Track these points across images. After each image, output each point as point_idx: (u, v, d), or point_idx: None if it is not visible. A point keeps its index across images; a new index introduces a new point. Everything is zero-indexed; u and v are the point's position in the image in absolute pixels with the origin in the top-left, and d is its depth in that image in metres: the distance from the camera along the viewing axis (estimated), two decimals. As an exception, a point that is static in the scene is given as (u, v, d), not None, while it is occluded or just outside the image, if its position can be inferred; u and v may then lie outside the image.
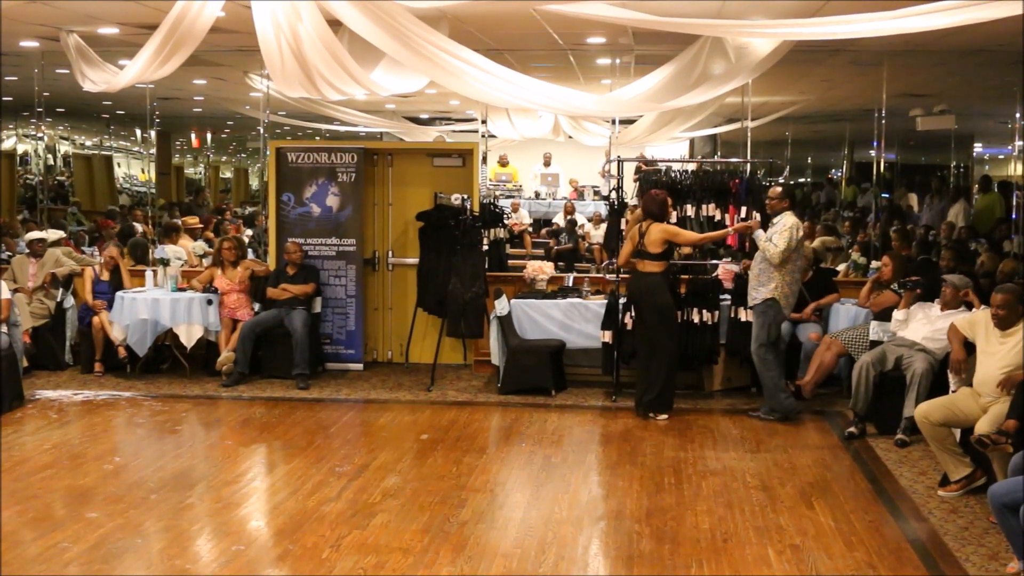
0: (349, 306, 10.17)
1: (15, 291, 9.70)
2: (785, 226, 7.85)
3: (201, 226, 14.05)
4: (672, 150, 18.94)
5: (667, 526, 5.75)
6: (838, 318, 9.26)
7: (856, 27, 6.51)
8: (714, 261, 8.97)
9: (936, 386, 7.36)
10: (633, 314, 8.40)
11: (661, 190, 8.31)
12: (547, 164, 19.50)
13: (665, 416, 8.16)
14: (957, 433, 6.48)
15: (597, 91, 12.90)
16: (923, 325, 7.75)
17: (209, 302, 9.62)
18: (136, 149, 24.27)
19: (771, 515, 5.95)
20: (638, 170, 11.43)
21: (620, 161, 9.30)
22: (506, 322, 9.18)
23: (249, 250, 11.66)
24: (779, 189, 8.13)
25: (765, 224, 8.24)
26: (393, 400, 8.89)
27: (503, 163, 19.38)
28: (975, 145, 20.17)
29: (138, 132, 22.42)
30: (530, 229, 16.96)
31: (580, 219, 16.48)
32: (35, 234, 10.59)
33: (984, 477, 6.23)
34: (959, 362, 6.68)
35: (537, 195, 18.54)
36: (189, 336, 9.55)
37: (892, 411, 7.57)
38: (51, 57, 11.14)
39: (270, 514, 5.97)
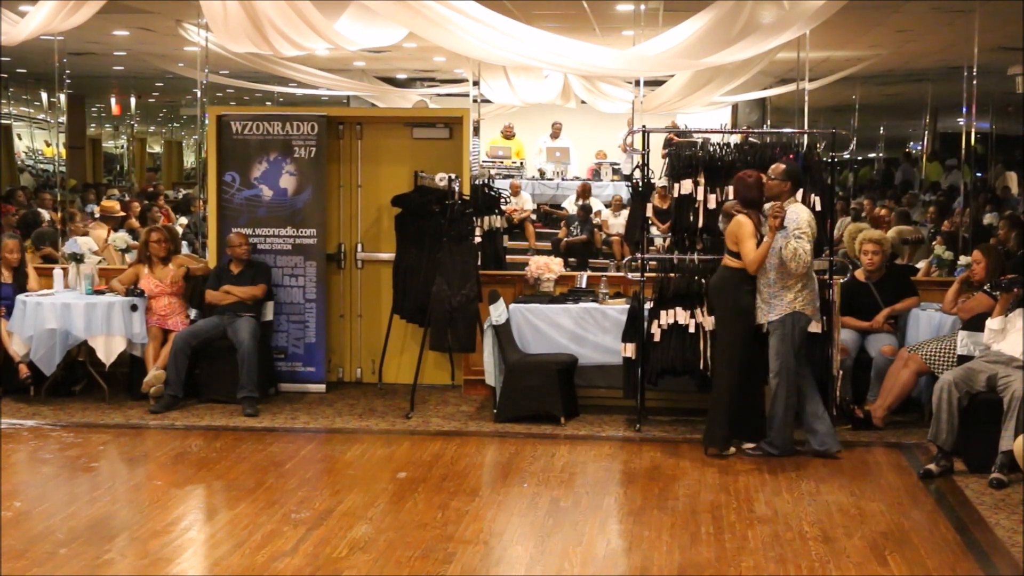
0: (308, 313, 10.18)
1: None
2: (801, 220, 7.84)
3: (123, 214, 14.10)
4: (710, 118, 18.99)
5: (704, 587, 5.75)
6: (918, 327, 9.27)
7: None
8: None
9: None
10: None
11: (753, 171, 8.23)
12: (556, 136, 19.52)
13: (733, 449, 8.19)
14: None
15: (617, 45, 12.95)
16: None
17: (133, 308, 9.63)
18: (41, 117, 24.29)
19: (834, 572, 5.95)
20: (668, 143, 11.45)
21: (646, 132, 9.32)
22: (504, 333, 9.19)
23: (184, 243, 11.68)
24: (782, 167, 8.09)
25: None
26: (363, 430, 8.90)
27: (508, 135, 19.40)
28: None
29: (44, 96, 22.44)
30: (533, 217, 17.01)
31: (596, 204, 16.52)
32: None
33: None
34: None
35: (542, 174, 18.58)
36: (108, 350, 9.55)
37: (985, 443, 7.57)
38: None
39: (210, 571, 5.96)
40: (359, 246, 10.54)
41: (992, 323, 7.94)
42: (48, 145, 24.54)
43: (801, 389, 8.08)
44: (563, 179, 18.26)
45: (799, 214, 7.90)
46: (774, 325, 7.97)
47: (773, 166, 8.11)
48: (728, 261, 8.14)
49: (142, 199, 17.04)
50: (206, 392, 9.68)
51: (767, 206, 8.05)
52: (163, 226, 10.98)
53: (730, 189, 8.68)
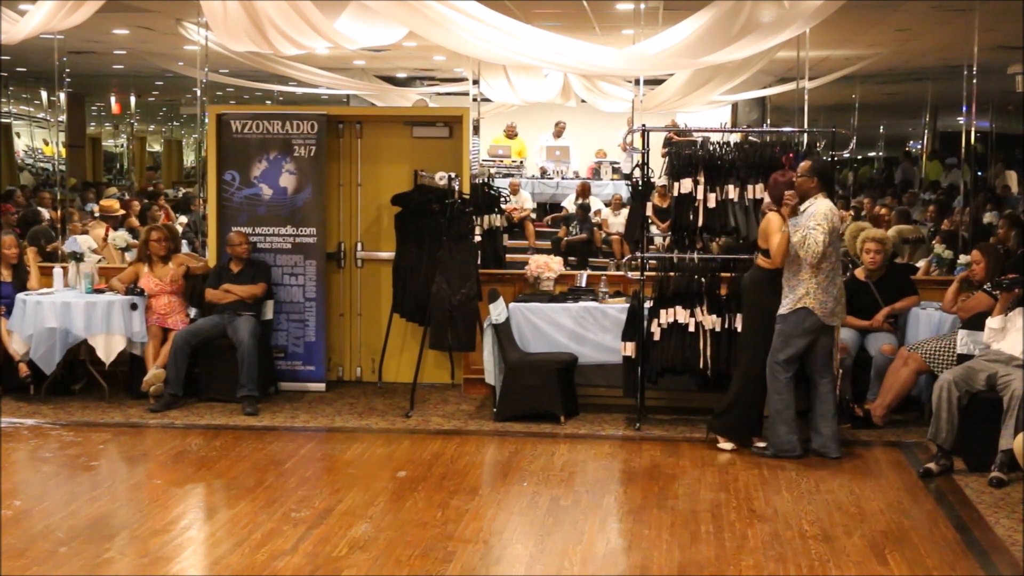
0: (308, 311, 10.18)
1: None
2: (818, 212, 7.83)
3: (122, 212, 14.10)
4: (710, 117, 18.98)
5: (704, 585, 5.75)
6: (917, 326, 9.27)
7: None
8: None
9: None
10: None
11: (787, 171, 8.21)
12: (559, 135, 19.52)
13: (730, 445, 8.20)
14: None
15: (617, 44, 12.95)
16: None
17: (133, 307, 9.63)
18: (41, 116, 24.28)
19: (834, 571, 5.95)
20: (667, 142, 11.44)
21: (645, 131, 9.32)
22: (503, 331, 9.19)
23: (184, 242, 11.68)
24: (808, 163, 8.10)
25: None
26: (363, 428, 8.90)
27: (510, 135, 19.38)
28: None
29: (44, 95, 22.43)
30: (533, 215, 17.01)
31: (596, 203, 16.52)
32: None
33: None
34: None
35: (544, 173, 18.58)
36: (108, 349, 9.55)
37: (985, 442, 7.57)
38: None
39: (210, 570, 5.96)
40: (359, 245, 10.54)
41: (992, 322, 7.95)
42: (47, 144, 24.53)
43: (815, 389, 8.10)
44: (563, 179, 18.26)
45: (818, 207, 7.88)
46: (779, 319, 7.98)
47: (801, 164, 8.11)
48: (760, 261, 8.18)
49: (142, 198, 17.04)
50: (206, 391, 9.68)
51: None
52: (163, 225, 10.97)
53: (730, 188, 8.71)
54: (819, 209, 7.84)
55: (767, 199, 8.39)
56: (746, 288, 8.33)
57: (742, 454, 8.12)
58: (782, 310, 7.97)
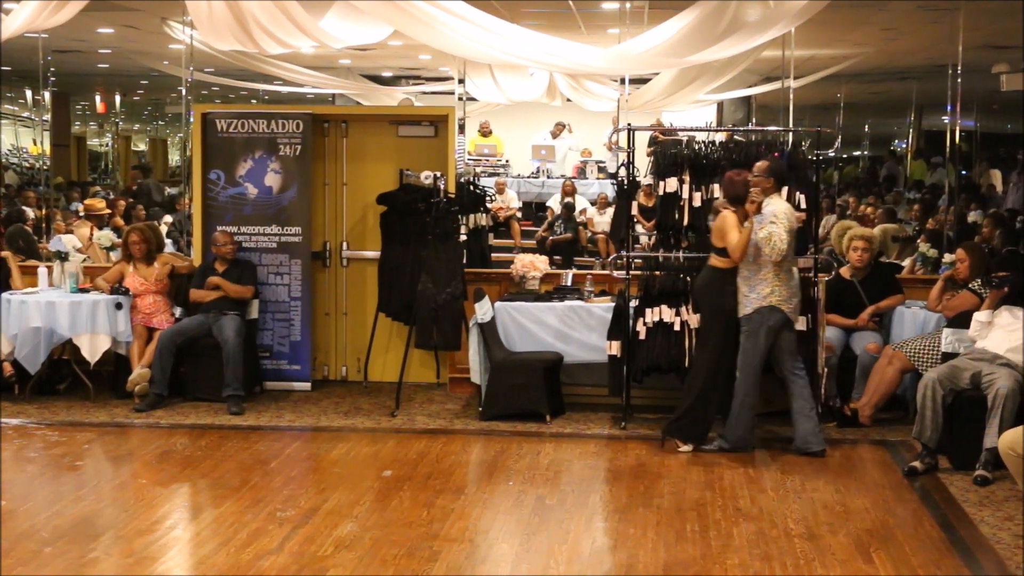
0: (293, 311, 10.17)
1: None
2: (778, 210, 7.86)
3: (108, 211, 14.07)
4: (695, 116, 19.02)
5: (690, 584, 5.75)
6: (902, 325, 9.30)
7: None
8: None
9: (1025, 409, 7.40)
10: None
11: (741, 170, 8.21)
12: (557, 135, 19.56)
13: (688, 447, 8.20)
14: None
15: (602, 43, 12.97)
16: (1008, 333, 7.78)
17: (118, 306, 9.60)
18: (26, 115, 24.22)
19: (819, 569, 5.96)
20: (653, 141, 11.48)
21: (631, 130, 9.33)
22: (489, 330, 9.19)
23: (169, 241, 11.66)
24: (765, 163, 8.10)
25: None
26: (348, 428, 8.89)
27: (484, 133, 19.43)
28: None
29: (28, 94, 22.38)
30: (519, 215, 17.03)
31: (582, 203, 16.54)
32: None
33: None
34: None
35: (539, 172, 18.60)
36: (93, 349, 9.52)
37: (969, 440, 7.59)
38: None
39: (195, 570, 5.95)
40: (344, 244, 10.53)
41: (980, 315, 7.98)
42: (35, 144, 24.50)
43: (789, 386, 8.11)
44: (548, 178, 18.27)
45: (777, 206, 7.92)
46: (744, 320, 8.00)
47: (757, 164, 8.14)
48: (714, 260, 8.16)
49: (127, 197, 17.02)
50: (191, 390, 9.65)
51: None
52: (144, 226, 10.93)
53: (716, 187, 8.71)
54: (779, 208, 7.89)
55: (720, 198, 8.38)
56: (701, 290, 8.29)
57: (723, 454, 8.12)
58: (747, 311, 7.98)
